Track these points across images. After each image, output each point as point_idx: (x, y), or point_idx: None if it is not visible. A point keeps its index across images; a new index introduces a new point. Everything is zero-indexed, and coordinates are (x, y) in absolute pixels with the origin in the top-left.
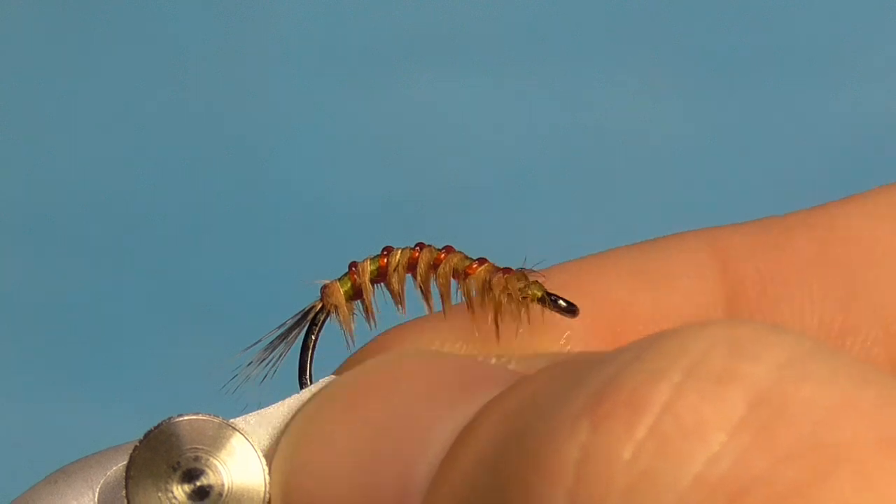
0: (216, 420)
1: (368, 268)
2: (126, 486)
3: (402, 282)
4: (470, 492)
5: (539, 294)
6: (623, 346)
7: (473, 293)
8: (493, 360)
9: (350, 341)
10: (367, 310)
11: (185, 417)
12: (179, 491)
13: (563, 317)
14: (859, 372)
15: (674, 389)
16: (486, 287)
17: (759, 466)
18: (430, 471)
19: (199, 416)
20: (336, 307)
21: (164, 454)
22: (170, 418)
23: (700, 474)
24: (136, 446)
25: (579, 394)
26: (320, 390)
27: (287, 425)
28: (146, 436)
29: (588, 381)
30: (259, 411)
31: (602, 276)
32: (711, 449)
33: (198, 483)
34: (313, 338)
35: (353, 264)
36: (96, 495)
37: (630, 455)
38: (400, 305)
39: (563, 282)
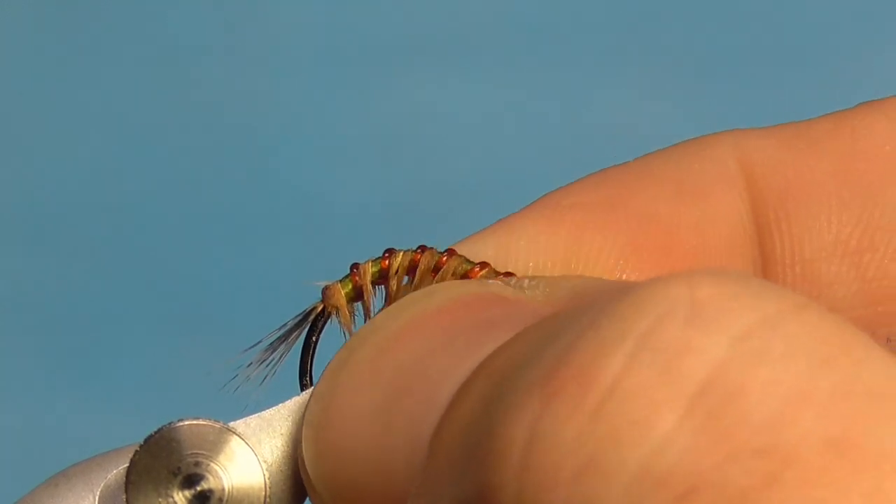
0: (217, 425)
1: (370, 269)
2: (126, 492)
3: (401, 285)
4: (447, 465)
5: None
6: (587, 303)
7: None
8: (526, 283)
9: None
10: (367, 312)
11: (186, 422)
12: (180, 496)
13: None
14: (824, 348)
15: (624, 362)
16: None
17: (707, 463)
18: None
19: (200, 421)
20: (337, 309)
21: (165, 459)
22: (170, 423)
23: (646, 465)
24: (136, 451)
25: (539, 363)
26: (354, 334)
27: (325, 371)
28: (146, 441)
29: (552, 346)
30: (259, 414)
31: (640, 190)
32: (658, 435)
33: (198, 488)
34: (314, 339)
35: (355, 266)
36: (97, 498)
37: (575, 437)
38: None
39: (603, 198)
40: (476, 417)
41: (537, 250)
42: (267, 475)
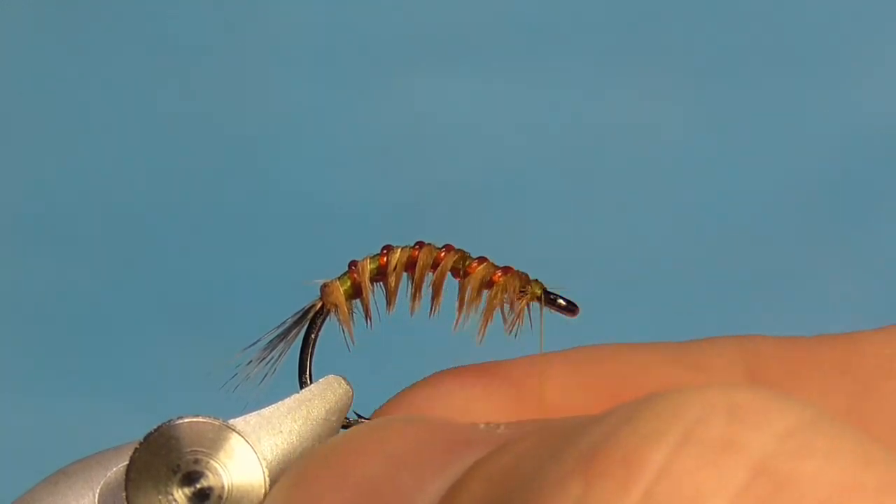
0: (216, 422)
1: (368, 266)
2: (126, 489)
3: (400, 280)
4: None
5: (539, 292)
6: (610, 409)
7: (469, 293)
8: (482, 426)
9: (350, 340)
10: (366, 309)
11: (185, 420)
12: (180, 494)
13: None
14: (863, 450)
15: (671, 452)
16: (486, 285)
17: None
18: None
19: (199, 419)
20: (336, 306)
21: (164, 457)
22: (169, 420)
23: None
24: (136, 449)
25: (571, 453)
26: (309, 452)
27: (277, 483)
28: (146, 438)
29: (580, 440)
30: (259, 411)
31: (645, 356)
32: None
33: (198, 485)
34: (313, 337)
35: (353, 263)
36: (97, 496)
37: None
38: (391, 304)
39: (592, 361)
40: None
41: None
42: (266, 472)
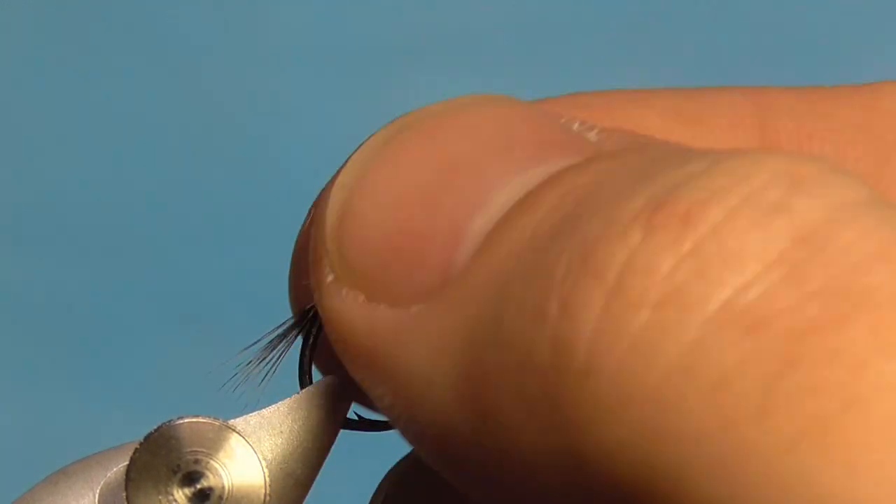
0: (216, 423)
1: None
2: (126, 489)
3: None
4: (515, 262)
5: None
6: (700, 148)
7: None
8: (576, 125)
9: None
10: None
11: (185, 420)
12: (180, 494)
13: None
14: None
15: (727, 212)
16: None
17: (785, 301)
18: (485, 227)
19: (199, 419)
20: None
21: (165, 457)
22: (169, 421)
23: (728, 301)
24: (136, 449)
25: (643, 193)
26: (401, 116)
27: (362, 143)
28: (146, 439)
29: (655, 181)
30: (259, 412)
31: (637, 108)
32: (745, 278)
33: (198, 486)
34: (314, 336)
35: None
36: (97, 496)
37: (670, 268)
38: None
39: (591, 108)
40: (555, 229)
41: None
42: (267, 473)
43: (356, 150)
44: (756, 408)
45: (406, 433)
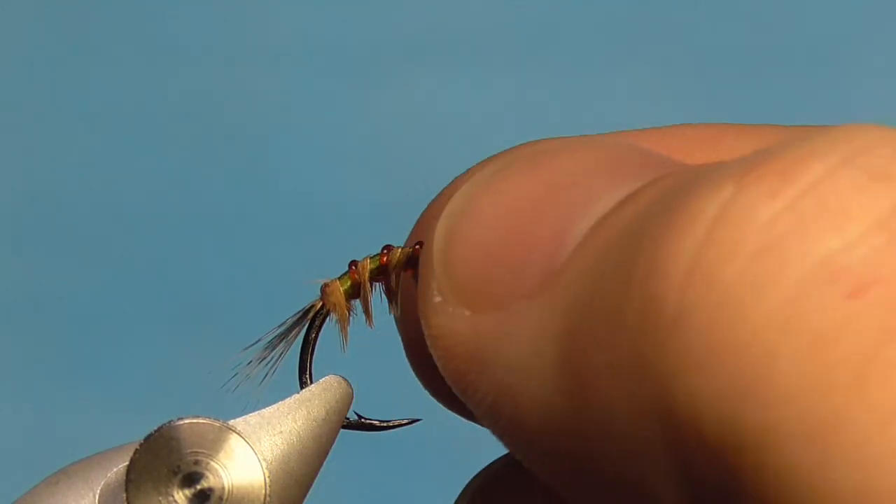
0: (216, 423)
1: (368, 266)
2: (126, 490)
3: (400, 280)
4: (608, 248)
5: None
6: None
7: None
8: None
9: (345, 341)
10: (366, 308)
11: (185, 421)
12: (180, 495)
13: None
14: None
15: (828, 170)
16: None
17: (885, 269)
18: (586, 230)
19: (199, 420)
20: (336, 306)
21: (165, 458)
22: (170, 422)
23: (828, 257)
24: (136, 450)
25: (732, 164)
26: (504, 152)
27: (468, 180)
28: (146, 439)
29: (743, 158)
30: (260, 412)
31: (744, 139)
32: (846, 237)
33: (198, 487)
34: (313, 336)
35: (353, 263)
36: (97, 497)
37: (766, 220)
38: (393, 304)
39: (698, 140)
40: (647, 210)
41: None
42: (267, 473)
43: (463, 184)
44: (854, 375)
45: (507, 432)
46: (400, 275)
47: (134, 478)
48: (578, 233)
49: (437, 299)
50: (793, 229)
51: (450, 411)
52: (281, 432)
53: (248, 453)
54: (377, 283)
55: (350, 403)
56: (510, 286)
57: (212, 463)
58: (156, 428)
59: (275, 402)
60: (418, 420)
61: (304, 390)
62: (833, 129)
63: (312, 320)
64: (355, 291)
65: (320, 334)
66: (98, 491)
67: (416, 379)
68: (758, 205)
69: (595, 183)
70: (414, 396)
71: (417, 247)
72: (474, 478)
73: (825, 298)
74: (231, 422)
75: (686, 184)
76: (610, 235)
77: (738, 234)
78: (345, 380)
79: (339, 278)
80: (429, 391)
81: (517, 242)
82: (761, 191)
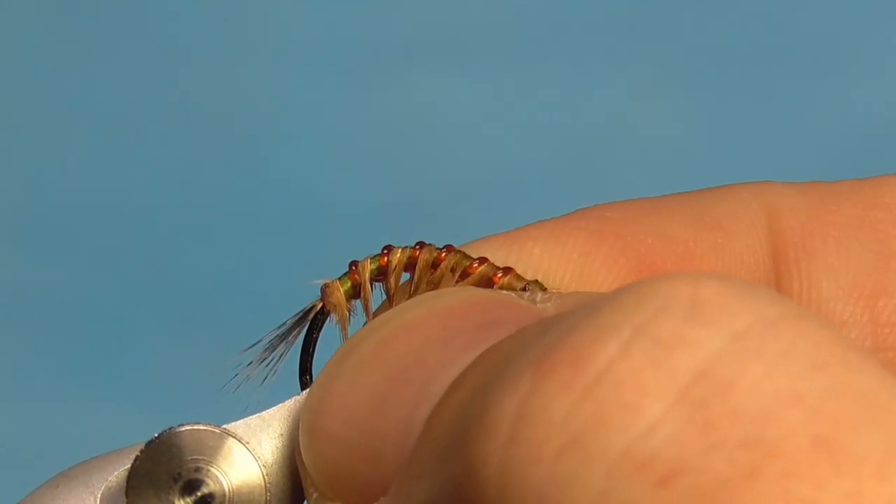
0: (216, 430)
1: (369, 266)
2: (127, 497)
3: (400, 281)
4: (437, 446)
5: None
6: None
7: None
8: (539, 297)
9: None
10: (366, 309)
11: (186, 427)
12: (181, 502)
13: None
14: (819, 354)
15: (620, 348)
16: (487, 286)
17: (690, 451)
18: (426, 415)
19: (200, 426)
20: (336, 306)
21: (165, 464)
22: (170, 428)
23: (630, 448)
24: (137, 456)
25: (537, 347)
26: (362, 327)
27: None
28: (147, 446)
29: (551, 333)
30: (260, 414)
31: (660, 219)
32: (647, 420)
33: (199, 493)
34: (314, 337)
35: (354, 263)
36: (98, 501)
37: (563, 415)
38: (392, 304)
39: (620, 215)
40: (468, 401)
41: (550, 259)
42: (267, 478)
43: (319, 374)
44: None
45: None
46: (400, 275)
47: (135, 484)
48: (421, 419)
49: (315, 495)
50: (591, 421)
51: None
52: (281, 435)
53: (248, 458)
54: (377, 284)
55: None
56: (371, 479)
57: (212, 469)
58: (156, 434)
59: (275, 403)
60: None
61: (304, 391)
62: (623, 295)
63: (313, 321)
64: (355, 292)
65: (321, 335)
66: (99, 495)
67: None
68: (554, 398)
69: (431, 360)
70: None
71: (418, 247)
72: None
73: (635, 489)
74: (231, 425)
75: (493, 376)
76: (438, 435)
77: (540, 432)
78: None
79: (340, 279)
80: None
81: (370, 434)
82: (555, 383)
